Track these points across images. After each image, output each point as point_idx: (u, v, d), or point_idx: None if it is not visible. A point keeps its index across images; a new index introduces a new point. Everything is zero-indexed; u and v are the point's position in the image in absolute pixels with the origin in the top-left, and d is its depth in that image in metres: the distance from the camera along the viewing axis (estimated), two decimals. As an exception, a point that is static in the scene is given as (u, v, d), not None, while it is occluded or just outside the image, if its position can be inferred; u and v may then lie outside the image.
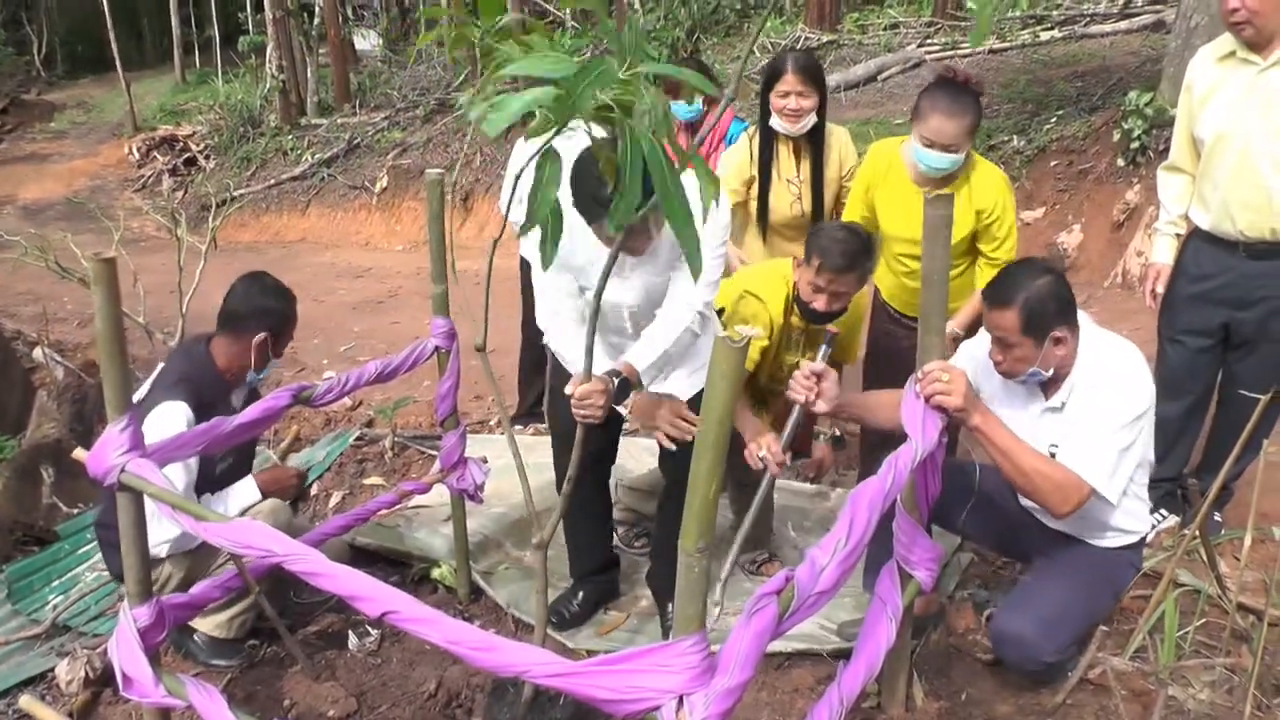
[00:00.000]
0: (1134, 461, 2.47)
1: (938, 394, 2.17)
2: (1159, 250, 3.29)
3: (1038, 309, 2.40)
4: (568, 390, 2.42)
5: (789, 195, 3.64)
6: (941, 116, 2.96)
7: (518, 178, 1.87)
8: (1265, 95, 2.87)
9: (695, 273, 1.52)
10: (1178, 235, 3.25)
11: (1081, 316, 2.53)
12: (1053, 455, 2.54)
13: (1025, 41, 10.42)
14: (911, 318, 3.30)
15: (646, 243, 2.52)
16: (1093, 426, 2.43)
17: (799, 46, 11.41)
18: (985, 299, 2.50)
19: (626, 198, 1.43)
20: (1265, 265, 3.00)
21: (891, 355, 3.42)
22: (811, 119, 3.50)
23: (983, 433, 2.34)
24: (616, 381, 2.50)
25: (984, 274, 3.17)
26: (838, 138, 3.71)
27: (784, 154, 3.63)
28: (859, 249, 2.95)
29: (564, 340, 2.74)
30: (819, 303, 3.00)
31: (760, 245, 3.80)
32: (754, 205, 3.75)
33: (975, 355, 2.72)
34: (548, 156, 1.52)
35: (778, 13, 13.41)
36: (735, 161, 3.73)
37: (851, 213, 3.40)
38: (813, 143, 3.58)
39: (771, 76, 3.51)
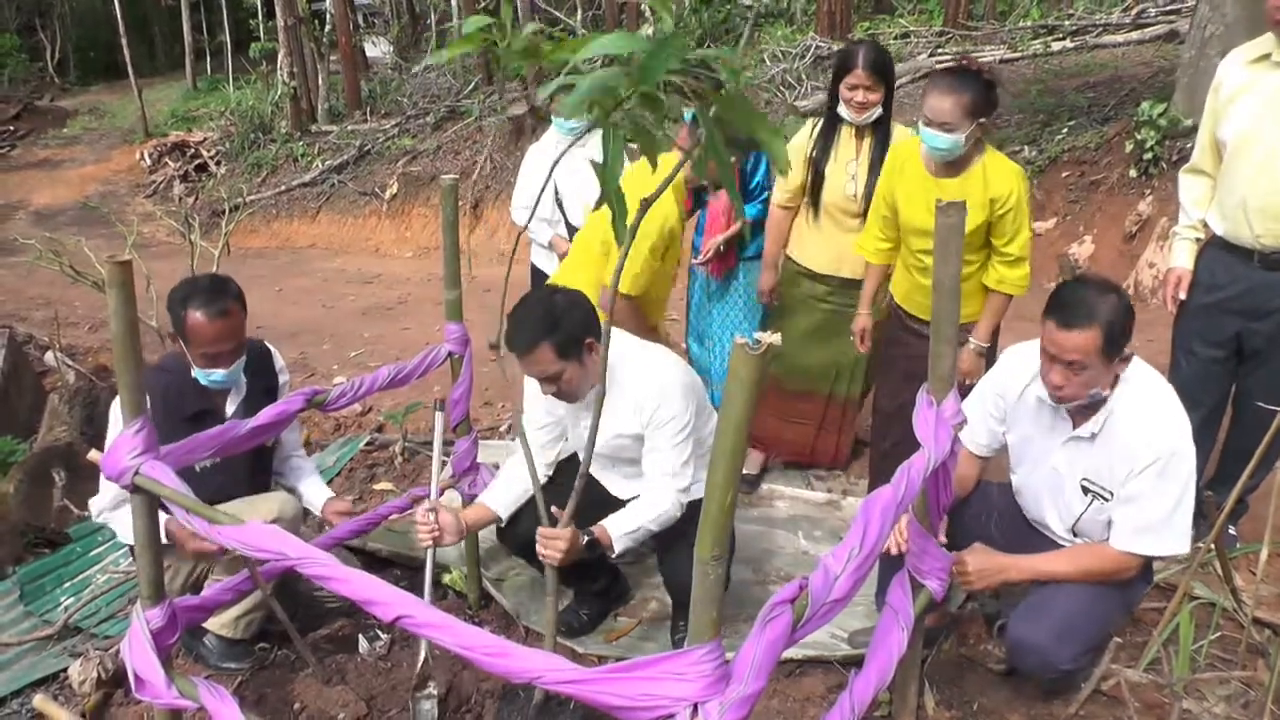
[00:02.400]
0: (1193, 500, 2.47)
1: (965, 587, 2.51)
2: (1178, 255, 3.22)
3: (1119, 328, 2.34)
4: (542, 531, 2.50)
5: (844, 177, 3.67)
6: (939, 94, 3.00)
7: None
8: None
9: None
10: (1197, 240, 3.20)
11: None
12: (1085, 489, 2.53)
13: (1037, 51, 10.41)
14: (924, 321, 3.29)
15: (571, 390, 2.72)
16: (1159, 506, 2.42)
17: (809, 54, 11.43)
18: (1057, 321, 2.38)
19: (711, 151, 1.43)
20: (1279, 276, 2.99)
21: (901, 363, 3.42)
22: (877, 111, 3.55)
23: (1030, 579, 2.55)
24: (586, 540, 2.59)
25: (995, 272, 3.15)
26: (900, 134, 3.73)
27: (846, 139, 3.67)
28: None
29: (504, 477, 2.96)
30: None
31: (809, 229, 3.84)
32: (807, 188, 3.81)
33: (997, 383, 2.71)
34: (610, 136, 1.47)
35: (788, 21, 13.44)
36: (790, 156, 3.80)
37: (875, 210, 3.41)
38: (876, 132, 3.62)
39: (842, 68, 3.58)
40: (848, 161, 3.67)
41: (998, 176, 3.07)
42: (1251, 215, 2.94)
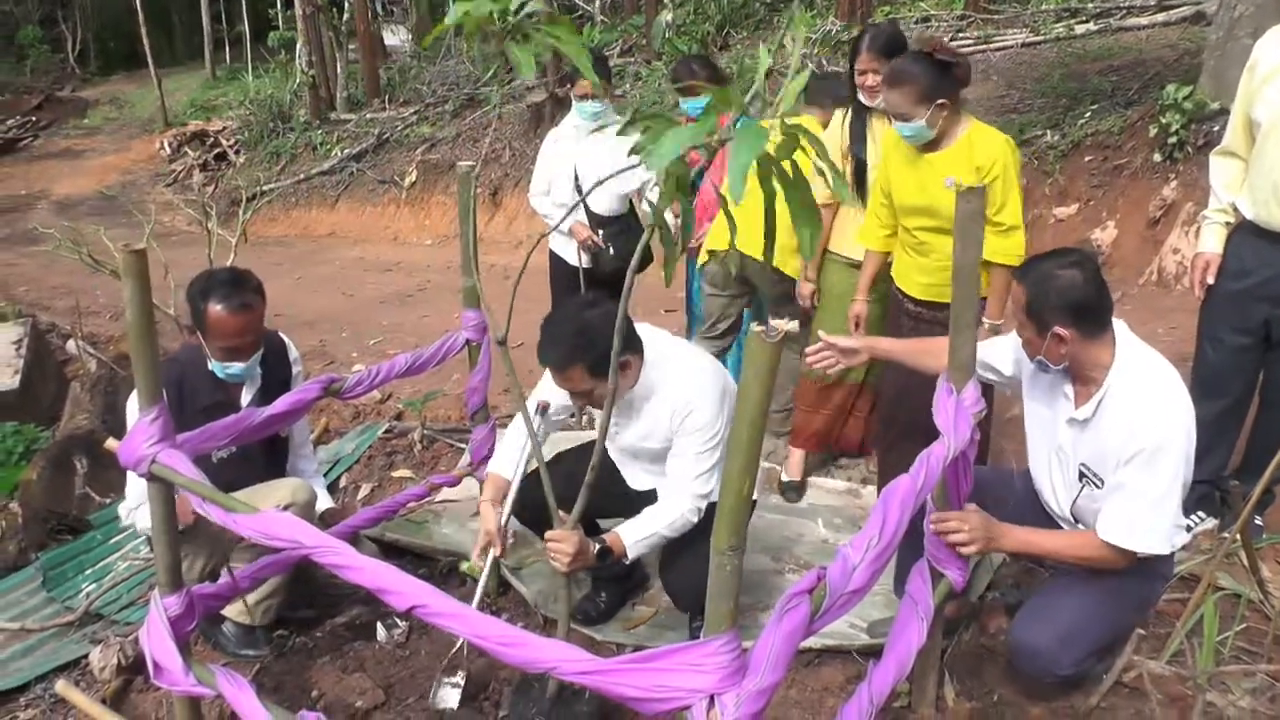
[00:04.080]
0: (1180, 501, 2.38)
1: (958, 545, 2.31)
2: (1207, 239, 3.14)
3: (1039, 296, 2.32)
4: (550, 535, 2.47)
5: None
6: (886, 87, 3.08)
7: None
8: None
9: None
10: (1227, 224, 3.11)
11: (1121, 328, 2.42)
12: (1081, 475, 2.48)
13: (1059, 34, 10.28)
14: (918, 301, 3.29)
15: (596, 398, 2.62)
16: (1140, 499, 2.33)
17: (829, 39, 11.34)
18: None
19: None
20: None
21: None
22: None
23: (1024, 553, 2.51)
24: (597, 548, 2.56)
25: (989, 243, 3.07)
26: None
27: (877, 125, 3.60)
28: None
29: (505, 445, 2.93)
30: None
31: (854, 220, 3.71)
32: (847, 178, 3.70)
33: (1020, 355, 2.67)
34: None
35: (808, 6, 13.33)
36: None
37: (873, 198, 3.39)
38: None
39: (852, 52, 3.54)
40: None
41: (982, 145, 3.05)
42: None
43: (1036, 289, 2.33)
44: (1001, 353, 2.67)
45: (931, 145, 3.10)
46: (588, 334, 2.50)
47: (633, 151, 1.38)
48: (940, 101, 2.98)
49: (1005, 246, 3.05)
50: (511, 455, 2.86)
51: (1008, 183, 3.02)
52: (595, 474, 2.16)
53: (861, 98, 3.55)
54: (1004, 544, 2.43)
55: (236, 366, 2.86)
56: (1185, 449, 2.33)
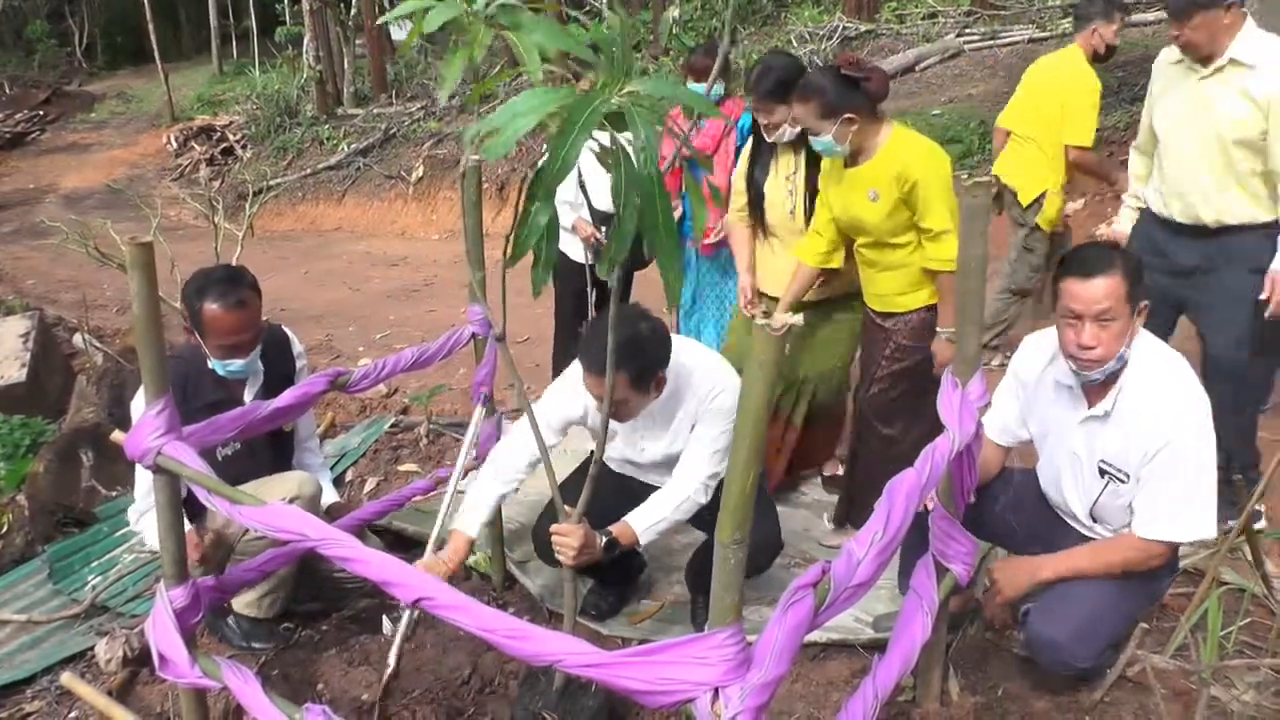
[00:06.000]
0: (1214, 480, 2.39)
1: (999, 599, 2.50)
2: (1121, 220, 3.72)
3: (1136, 273, 2.34)
4: (555, 528, 2.47)
5: (783, 194, 3.51)
6: (795, 103, 3.08)
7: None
8: (1200, 101, 3.23)
9: (670, 297, 1.48)
10: (1139, 209, 3.61)
11: None
12: (1102, 471, 2.48)
13: (1065, 30, 10.25)
14: (875, 312, 3.33)
15: (627, 409, 2.61)
16: (1176, 490, 2.35)
17: (836, 35, 11.33)
18: (1079, 274, 2.32)
19: (619, 231, 1.41)
20: (1198, 244, 3.30)
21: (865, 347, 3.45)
22: (785, 130, 3.40)
23: (1064, 576, 2.47)
24: (604, 540, 2.55)
25: (924, 251, 3.09)
26: None
27: (785, 153, 3.52)
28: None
29: (475, 490, 2.85)
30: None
31: (761, 249, 3.68)
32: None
33: (1017, 369, 2.68)
34: (539, 178, 1.42)
35: (816, 2, 13.31)
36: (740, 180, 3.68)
37: (818, 213, 3.35)
38: (806, 146, 3.37)
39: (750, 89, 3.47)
40: (786, 176, 3.51)
41: (898, 154, 3.04)
42: (1169, 198, 3.36)
43: (1133, 269, 2.35)
44: (1008, 413, 2.73)
45: (853, 160, 3.11)
46: (636, 344, 2.48)
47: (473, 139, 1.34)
48: (847, 116, 2.98)
49: (935, 252, 3.04)
50: (481, 514, 2.82)
51: (929, 188, 3.00)
52: (599, 466, 2.16)
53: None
54: (1042, 575, 2.48)
55: (236, 363, 2.86)
56: (1207, 431, 2.36)
